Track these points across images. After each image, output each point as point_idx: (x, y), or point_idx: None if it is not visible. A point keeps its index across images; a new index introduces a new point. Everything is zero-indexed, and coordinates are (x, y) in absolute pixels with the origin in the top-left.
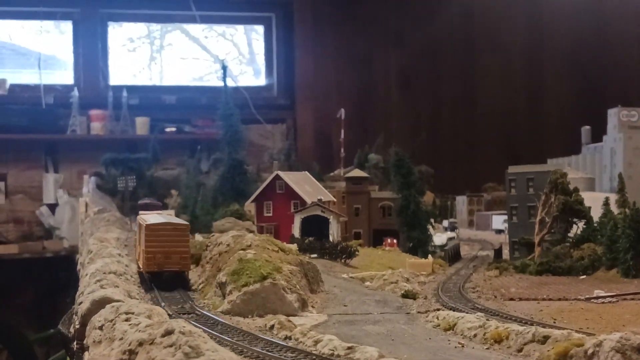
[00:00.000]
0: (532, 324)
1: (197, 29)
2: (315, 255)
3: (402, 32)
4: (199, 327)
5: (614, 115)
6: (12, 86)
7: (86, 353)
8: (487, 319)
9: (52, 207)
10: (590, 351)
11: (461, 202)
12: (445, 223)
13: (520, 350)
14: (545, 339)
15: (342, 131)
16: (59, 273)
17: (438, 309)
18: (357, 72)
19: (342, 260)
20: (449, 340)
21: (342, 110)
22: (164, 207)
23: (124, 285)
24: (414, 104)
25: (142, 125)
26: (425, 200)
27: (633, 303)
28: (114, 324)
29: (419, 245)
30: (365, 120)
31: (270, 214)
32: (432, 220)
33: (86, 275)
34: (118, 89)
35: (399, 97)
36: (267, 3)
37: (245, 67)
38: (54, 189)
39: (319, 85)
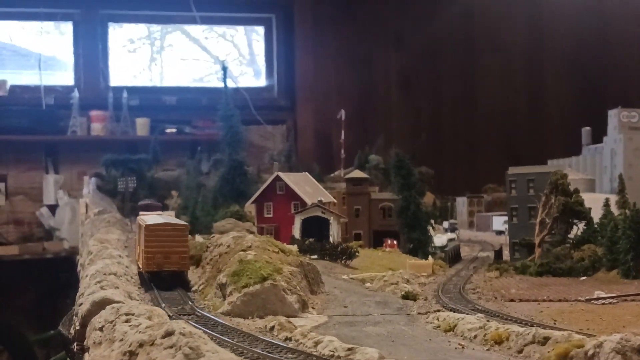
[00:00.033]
0: (532, 325)
1: (197, 30)
2: (315, 257)
3: (402, 33)
4: (199, 329)
5: (614, 116)
6: (13, 87)
7: (86, 354)
8: (488, 320)
9: (53, 208)
10: (590, 352)
11: (461, 203)
12: (446, 224)
13: (520, 352)
14: (545, 340)
15: (343, 132)
16: (59, 274)
17: (438, 310)
18: (357, 72)
19: (343, 262)
20: (449, 342)
21: (343, 111)
22: (164, 208)
23: (124, 286)
24: (414, 105)
25: (142, 126)
26: (425, 202)
27: (633, 304)
28: (114, 325)
29: (419, 247)
30: (365, 121)
31: (271, 215)
32: (432, 221)
33: (86, 276)
34: (118, 90)
35: (399, 98)
36: (267, 4)
37: (245, 68)
38: (54, 190)
39: (319, 86)
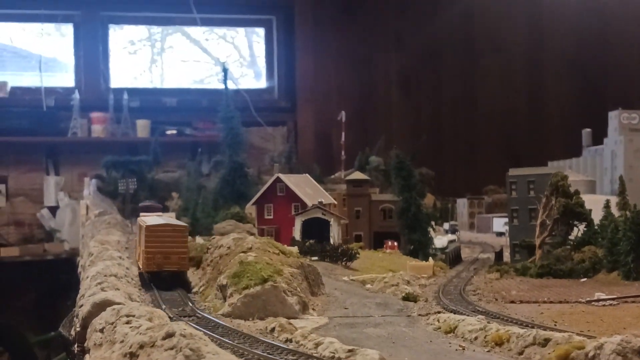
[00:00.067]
0: (533, 327)
1: (197, 32)
2: (316, 258)
3: (403, 34)
4: (200, 330)
5: (614, 118)
6: (13, 89)
7: (87, 356)
8: (488, 322)
9: (53, 210)
10: (591, 354)
11: (462, 205)
12: (446, 226)
13: (521, 353)
14: (546, 342)
15: (343, 133)
16: (59, 276)
17: (439, 312)
18: (357, 73)
19: (343, 263)
20: (449, 343)
21: (343, 113)
22: (165, 209)
23: (124, 287)
24: (415, 106)
25: (142, 127)
26: (426, 203)
27: (634, 306)
28: (115, 327)
29: (419, 248)
30: (365, 122)
31: (271, 217)
32: (432, 222)
33: (87, 277)
34: (119, 91)
35: (399, 99)
36: (267, 6)
37: (246, 69)
38: (55, 192)
39: (320, 87)
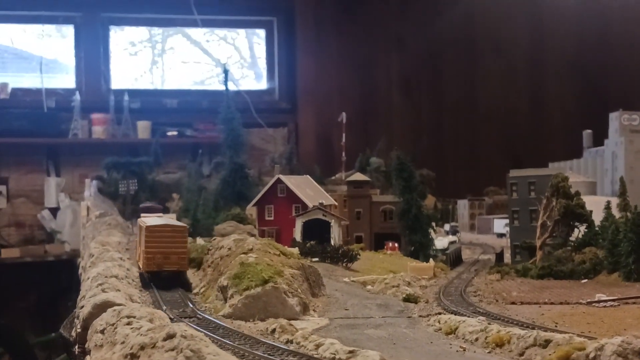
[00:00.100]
0: (533, 328)
1: (198, 33)
2: (316, 259)
3: (404, 36)
4: (201, 331)
5: (615, 119)
6: (14, 90)
7: (88, 357)
8: (489, 323)
9: (54, 211)
10: (591, 355)
11: (462, 206)
12: (447, 227)
13: (521, 354)
14: (546, 343)
15: (344, 135)
16: (60, 277)
17: (439, 313)
18: (358, 75)
19: (344, 264)
20: (450, 344)
21: (344, 114)
22: (166, 210)
23: (125, 289)
24: (416, 108)
25: (143, 129)
26: (426, 204)
27: (635, 307)
28: (116, 328)
29: (420, 249)
30: (366, 124)
31: (272, 218)
32: (433, 224)
33: (88, 279)
34: (119, 92)
35: (400, 101)
36: (268, 7)
37: (246, 71)
38: (56, 193)
39: (321, 89)
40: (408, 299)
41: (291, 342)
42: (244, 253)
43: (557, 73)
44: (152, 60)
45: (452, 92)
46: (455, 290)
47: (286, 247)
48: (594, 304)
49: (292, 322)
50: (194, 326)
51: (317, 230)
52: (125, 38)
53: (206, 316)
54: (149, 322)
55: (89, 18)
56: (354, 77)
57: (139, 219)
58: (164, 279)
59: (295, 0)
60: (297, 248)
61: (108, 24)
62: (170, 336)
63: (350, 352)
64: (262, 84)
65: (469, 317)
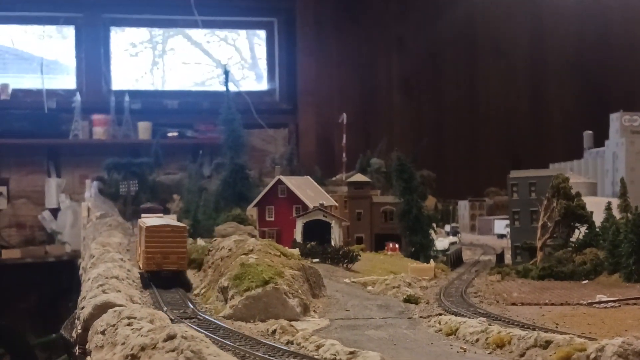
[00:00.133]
0: (534, 329)
1: (199, 34)
2: (317, 260)
3: (405, 37)
4: (201, 332)
5: (616, 120)
6: (15, 91)
7: (88, 358)
8: (490, 324)
9: (55, 212)
10: (592, 356)
11: (463, 207)
12: (448, 228)
13: (522, 355)
14: (547, 344)
15: (344, 136)
16: (61, 277)
17: (440, 314)
18: (359, 76)
19: (344, 265)
20: (451, 345)
21: (344, 115)
22: (166, 211)
23: (126, 289)
24: (416, 109)
25: (144, 129)
26: (427, 205)
27: (635, 308)
28: (116, 329)
29: (421, 250)
30: (367, 124)
31: (272, 219)
32: (434, 224)
33: (88, 279)
34: (120, 93)
35: (401, 102)
36: (269, 8)
37: (247, 71)
38: (56, 194)
39: (321, 89)
40: (409, 299)
41: (292, 343)
42: (244, 254)
43: (557, 73)
44: (153, 61)
45: (453, 93)
46: (456, 291)
47: (287, 248)
48: (594, 305)
49: (293, 323)
50: (195, 327)
51: (317, 231)
52: (126, 39)
53: (207, 317)
54: (150, 323)
55: (90, 19)
56: (354, 77)
57: (139, 220)
58: (163, 278)
59: (296, 1)
60: (297, 249)
61: (109, 24)
62: (170, 337)
63: (351, 353)
64: (263, 85)
65: (469, 318)
